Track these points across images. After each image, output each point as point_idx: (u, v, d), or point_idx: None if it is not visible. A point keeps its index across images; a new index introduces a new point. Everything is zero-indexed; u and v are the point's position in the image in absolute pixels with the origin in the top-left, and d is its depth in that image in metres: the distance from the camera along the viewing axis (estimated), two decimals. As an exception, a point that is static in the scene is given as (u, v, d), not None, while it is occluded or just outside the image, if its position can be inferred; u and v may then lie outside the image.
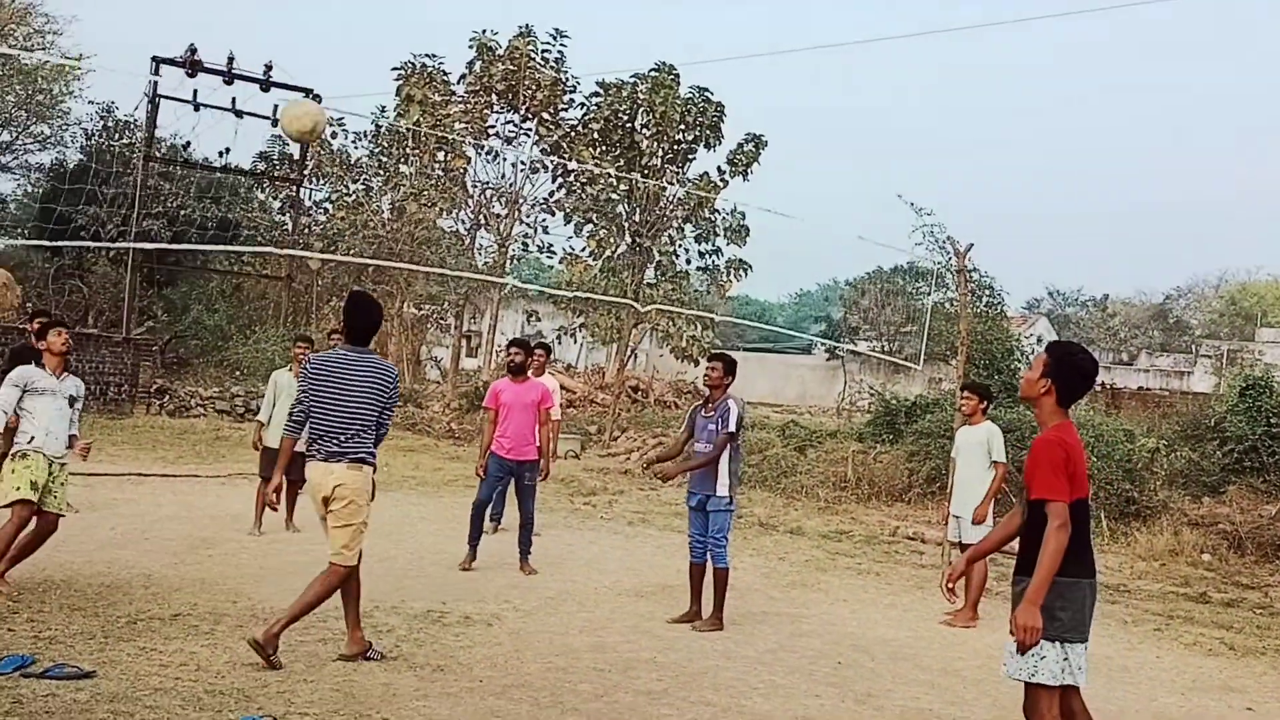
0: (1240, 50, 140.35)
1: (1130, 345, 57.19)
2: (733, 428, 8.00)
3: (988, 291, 19.38)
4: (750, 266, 28.73)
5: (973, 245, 11.96)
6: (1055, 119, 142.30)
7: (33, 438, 7.31)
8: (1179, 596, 10.98)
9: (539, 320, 32.08)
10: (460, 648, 6.81)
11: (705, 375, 8.29)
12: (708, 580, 8.14)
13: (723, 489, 8.02)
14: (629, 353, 26.69)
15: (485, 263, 29.45)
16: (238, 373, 23.02)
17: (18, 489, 7.16)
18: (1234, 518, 13.53)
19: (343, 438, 6.20)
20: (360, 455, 6.23)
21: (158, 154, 25.74)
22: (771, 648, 7.55)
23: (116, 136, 30.00)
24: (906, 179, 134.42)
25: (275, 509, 7.34)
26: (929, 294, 30.62)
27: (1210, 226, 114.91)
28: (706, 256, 28.18)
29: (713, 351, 8.48)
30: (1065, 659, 4.38)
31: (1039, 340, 31.71)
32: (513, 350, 9.81)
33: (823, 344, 45.06)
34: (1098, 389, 30.78)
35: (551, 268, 33.28)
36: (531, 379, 10.01)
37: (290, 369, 10.76)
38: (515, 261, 32.17)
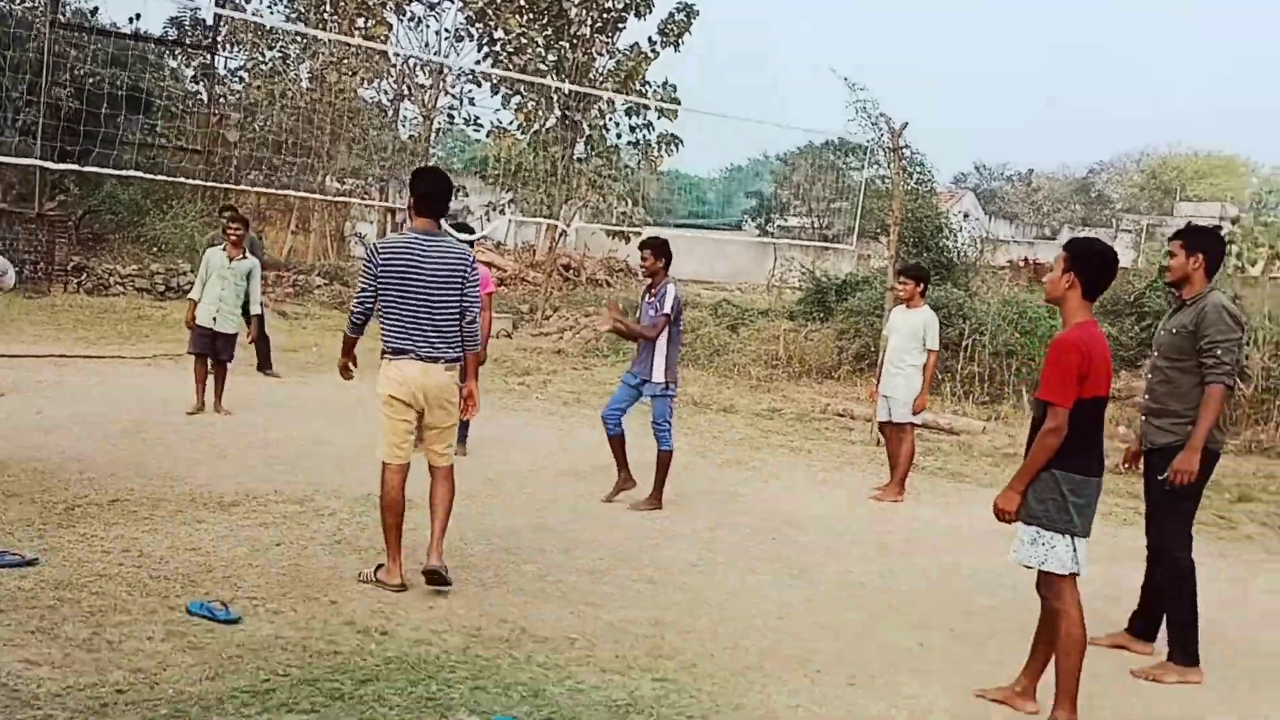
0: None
1: (1053, 219, 58.06)
2: (668, 309, 8.03)
3: (919, 169, 19.44)
4: (681, 141, 28.43)
5: (907, 124, 11.96)
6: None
7: None
8: (1096, 469, 11.40)
9: (466, 195, 31.54)
10: (404, 530, 6.85)
11: (640, 264, 8.23)
12: (646, 460, 8.27)
13: (659, 374, 8.08)
14: (559, 232, 26.44)
15: (410, 135, 28.77)
16: (155, 249, 22.40)
17: None
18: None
19: (436, 336, 5.63)
20: (453, 355, 5.71)
21: (63, 18, 24.50)
22: (709, 525, 7.73)
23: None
24: (834, 47, 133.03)
25: (349, 375, 6.13)
26: (861, 169, 30.62)
27: (1136, 102, 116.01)
28: (637, 130, 27.82)
29: (643, 239, 8.40)
30: (1074, 551, 4.56)
31: (965, 216, 31.94)
32: (460, 238, 9.74)
33: (753, 221, 45.07)
34: (1021, 263, 31.31)
35: (478, 141, 32.63)
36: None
37: (224, 248, 10.62)
38: (441, 134, 31.49)
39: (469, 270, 5.70)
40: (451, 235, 5.82)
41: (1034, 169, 69.05)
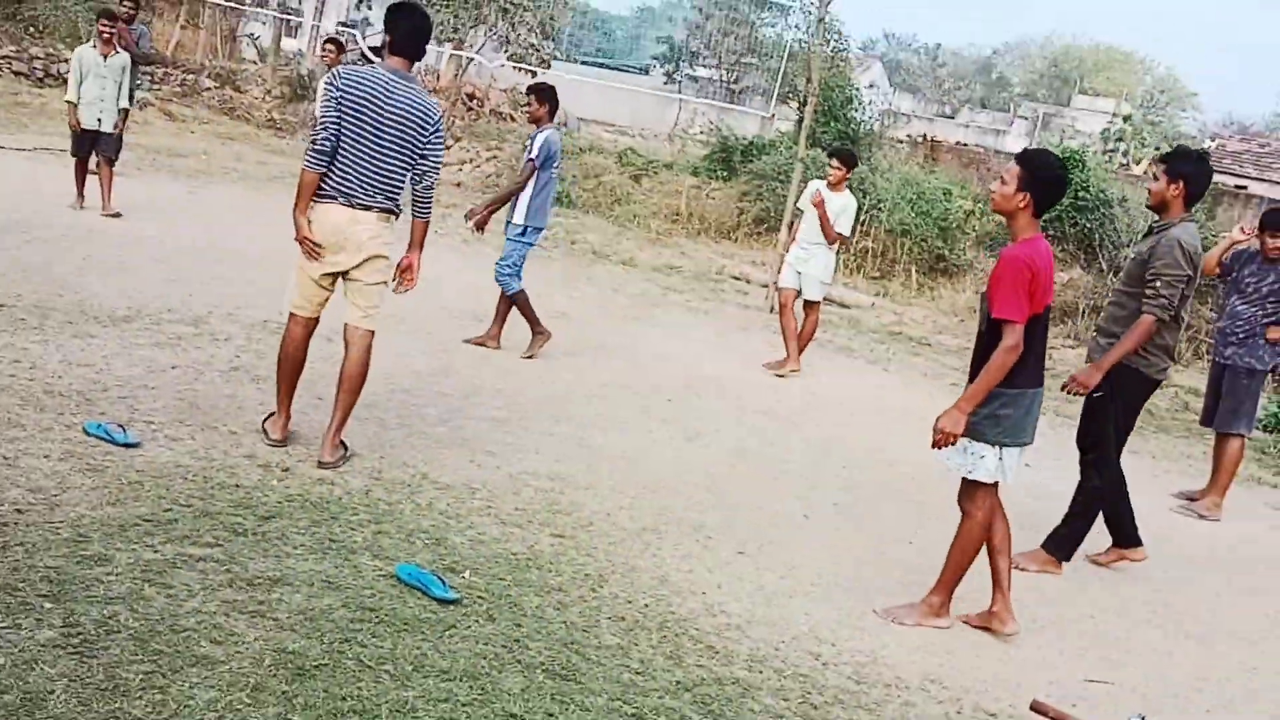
0: None
1: (954, 98, 58.49)
2: (534, 155, 7.94)
3: (836, 36, 19.30)
4: (597, -25, 27.55)
5: (837, -7, 11.79)
6: None
7: None
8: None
9: (369, 8, 30.19)
10: (318, 359, 6.78)
11: (525, 108, 8.12)
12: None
13: (519, 216, 7.98)
14: (466, 60, 25.58)
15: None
16: (35, 31, 21.00)
17: None
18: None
19: (375, 184, 5.12)
20: (389, 206, 5.20)
21: None
22: (607, 381, 7.84)
23: None
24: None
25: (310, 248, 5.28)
26: (775, 28, 30.26)
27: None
28: (554, -40, 26.85)
29: (530, 84, 8.19)
30: (1000, 460, 4.56)
31: (872, 85, 31.96)
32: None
33: (661, 67, 44.25)
34: (919, 140, 31.62)
35: (387, -48, 31.01)
36: None
37: (94, 45, 10.41)
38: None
39: (433, 126, 5.15)
40: (418, 84, 5.18)
41: (941, 44, 69.13)
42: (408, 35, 5.14)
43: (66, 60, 18.19)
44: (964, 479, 4.66)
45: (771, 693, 3.82)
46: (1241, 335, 7.53)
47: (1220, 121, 56.62)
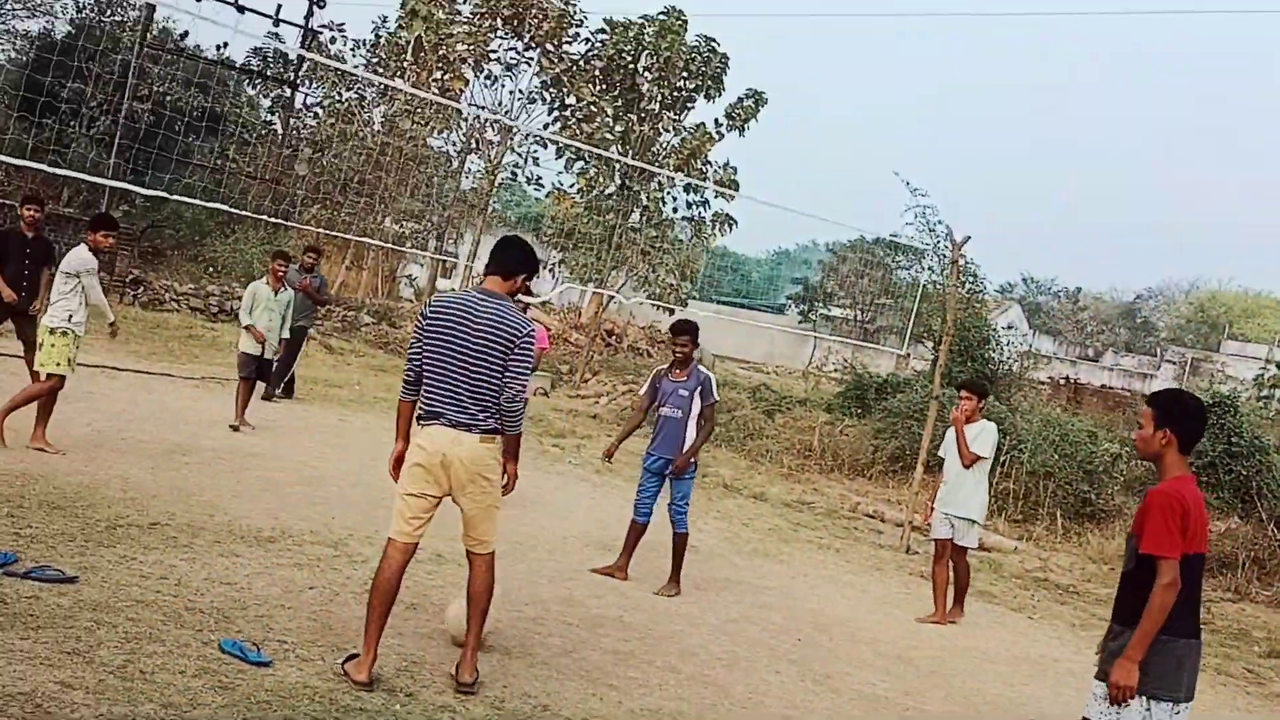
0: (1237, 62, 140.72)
1: (1097, 341, 57.82)
2: (716, 398, 8.28)
3: (972, 279, 19.49)
4: (735, 221, 28.68)
5: (969, 238, 12.04)
6: (1049, 102, 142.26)
7: (71, 315, 8.56)
8: (1125, 603, 11.24)
9: (519, 251, 31.89)
10: (433, 586, 6.89)
11: (674, 348, 8.17)
12: (660, 540, 8.33)
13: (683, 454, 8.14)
14: (607, 298, 26.64)
15: (471, 187, 29.21)
16: (212, 270, 22.80)
17: (57, 364, 8.56)
18: (1184, 530, 13.83)
19: (472, 402, 5.14)
20: (492, 425, 5.20)
21: (150, 37, 25.20)
22: (734, 618, 7.70)
23: (108, 13, 29.30)
24: (898, 152, 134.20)
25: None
26: (910, 270, 30.82)
27: (1189, 233, 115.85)
28: (693, 207, 28.10)
29: (679, 322, 8.33)
30: (1148, 712, 4.28)
31: (1010, 327, 31.93)
32: (522, 299, 10.05)
33: (796, 307, 45.18)
34: (1062, 382, 31.18)
35: (538, 200, 33.02)
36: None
37: (266, 280, 11.69)
38: (501, 189, 31.93)
39: (519, 339, 5.15)
40: (512, 301, 5.38)
41: (1082, 287, 68.97)
42: (495, 257, 5.37)
43: (239, 298, 19.67)
44: None
45: None
46: None
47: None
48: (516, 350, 5.17)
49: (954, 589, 9.05)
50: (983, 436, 8.99)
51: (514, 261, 5.36)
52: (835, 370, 26.26)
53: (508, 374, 5.17)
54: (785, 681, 6.48)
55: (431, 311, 5.26)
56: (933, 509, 9.31)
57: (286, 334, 11.79)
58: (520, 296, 10.37)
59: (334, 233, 20.70)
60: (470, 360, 5.13)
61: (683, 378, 8.20)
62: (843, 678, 6.80)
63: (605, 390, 20.90)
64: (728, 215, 28.42)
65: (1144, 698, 4.26)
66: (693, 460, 8.19)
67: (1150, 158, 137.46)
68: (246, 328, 11.40)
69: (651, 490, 8.28)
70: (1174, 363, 43.74)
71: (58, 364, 8.53)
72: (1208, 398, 16.49)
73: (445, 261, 35.12)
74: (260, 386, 11.94)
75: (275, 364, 11.97)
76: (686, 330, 8.22)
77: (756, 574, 9.33)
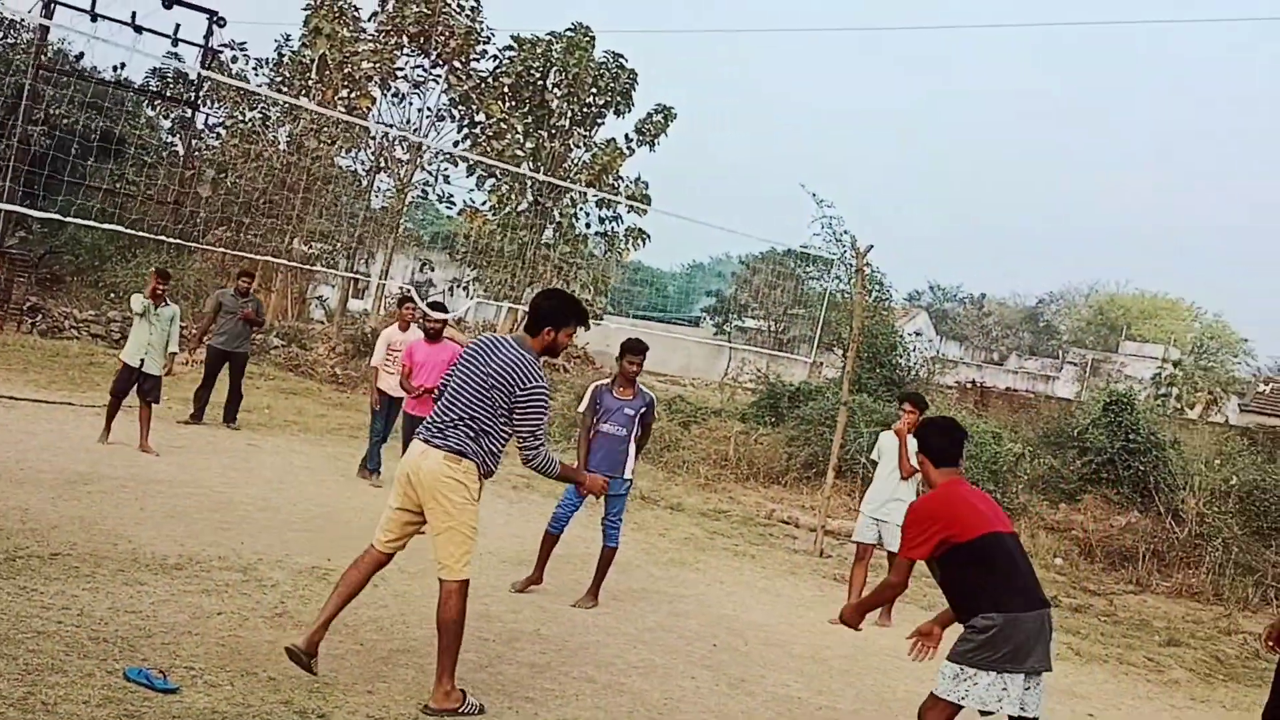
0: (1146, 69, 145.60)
1: (1001, 345, 59.24)
2: (654, 417, 8.55)
3: (878, 286, 19.91)
4: (648, 236, 28.92)
5: (872, 247, 12.30)
6: (951, 115, 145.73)
7: None
8: (1031, 598, 11.55)
9: (432, 269, 31.77)
10: (347, 609, 6.82)
11: (626, 365, 8.15)
12: (583, 553, 8.38)
13: (629, 472, 8.25)
14: (522, 314, 26.58)
15: (381, 206, 28.98)
16: (113, 296, 22.28)
17: None
18: (1087, 525, 14.28)
19: (452, 424, 5.31)
20: (460, 448, 5.27)
21: (44, 58, 24.59)
22: (650, 626, 7.76)
23: (0, 35, 28.53)
24: (803, 163, 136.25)
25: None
26: (820, 280, 31.33)
27: (1087, 240, 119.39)
28: (606, 223, 28.25)
29: (634, 340, 8.30)
30: (1004, 689, 4.77)
31: (918, 334, 32.61)
32: (434, 317, 10.05)
33: (711, 319, 45.58)
34: (969, 385, 31.88)
35: (450, 218, 32.89)
36: (443, 340, 10.45)
37: (145, 293, 11.55)
38: (412, 208, 31.73)
39: (526, 388, 5.26)
40: (535, 356, 5.43)
41: (986, 294, 70.62)
42: (533, 313, 5.49)
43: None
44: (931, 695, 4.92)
45: None
46: None
47: (1276, 366, 56.52)
48: (524, 397, 5.26)
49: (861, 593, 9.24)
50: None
51: (542, 313, 5.49)
52: (750, 380, 26.57)
53: (512, 417, 5.28)
54: (701, 687, 6.56)
55: (467, 349, 5.53)
56: (862, 513, 9.47)
57: (174, 348, 11.58)
58: (431, 314, 10.45)
59: (240, 253, 20.36)
60: (470, 391, 5.30)
61: (629, 396, 8.21)
62: (758, 681, 6.90)
63: (521, 407, 20.85)
64: (640, 230, 28.67)
65: (984, 670, 4.75)
66: (631, 477, 8.32)
67: (1049, 161, 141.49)
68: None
69: (574, 505, 8.26)
70: (1075, 364, 45.00)
71: None
72: (1105, 397, 17.05)
73: (357, 281, 34.79)
74: (156, 408, 11.71)
75: (158, 382, 11.70)
76: (643, 350, 8.23)
77: (673, 583, 9.41)
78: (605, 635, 7.32)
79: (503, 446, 5.43)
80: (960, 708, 4.81)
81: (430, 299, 10.81)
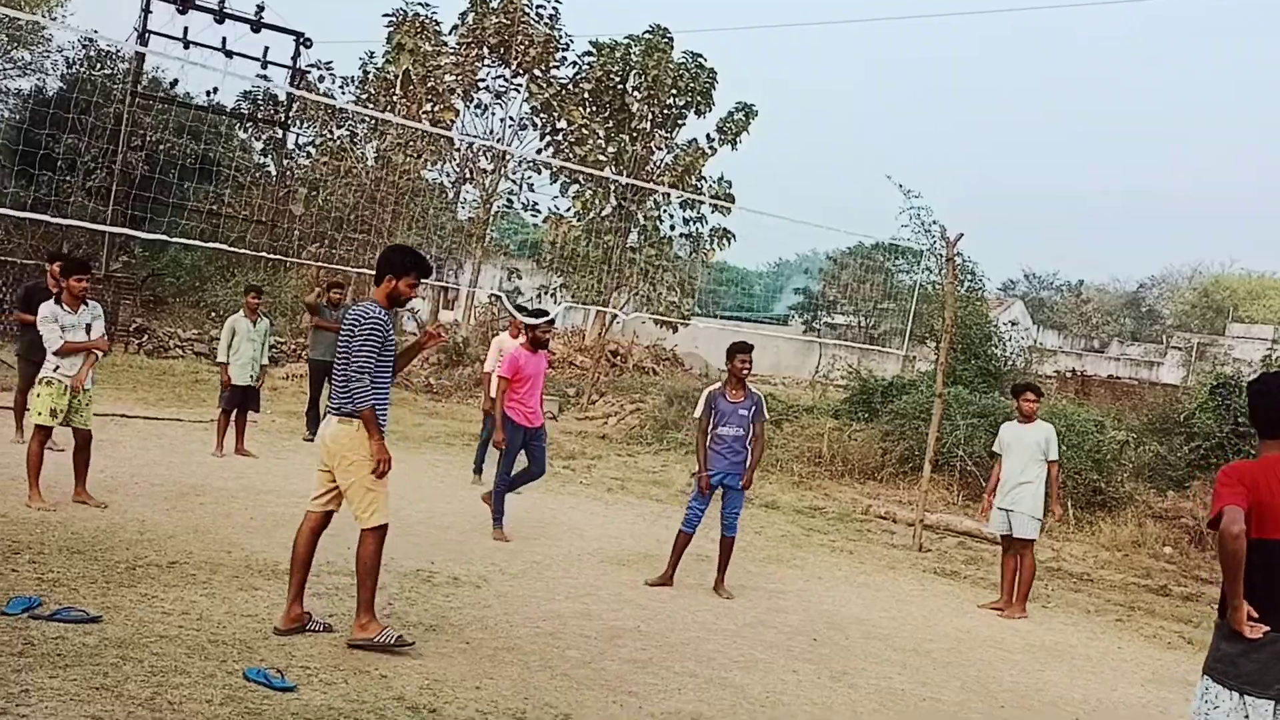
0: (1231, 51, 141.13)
1: (1102, 333, 57.80)
2: (766, 415, 8.76)
3: (969, 276, 19.61)
4: (733, 235, 28.83)
5: (962, 235, 12.14)
6: (1040, 104, 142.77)
7: (57, 366, 8.30)
8: (1140, 588, 11.31)
9: (519, 278, 32.09)
10: (451, 609, 6.98)
11: (737, 365, 8.45)
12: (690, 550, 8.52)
13: (748, 475, 8.59)
14: (610, 318, 26.77)
15: (468, 217, 29.40)
16: (214, 314, 22.99)
17: (39, 414, 8.29)
18: (1196, 513, 13.89)
19: (335, 389, 6.00)
20: (347, 409, 5.88)
21: (140, 86, 25.46)
22: (750, 622, 7.77)
23: (98, 67, 29.62)
24: (890, 158, 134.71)
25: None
26: (910, 273, 30.98)
27: (1188, 219, 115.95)
28: (691, 224, 28.26)
29: (740, 342, 8.63)
30: (1244, 715, 4.14)
31: (1014, 323, 32.00)
32: (541, 326, 10.11)
33: (799, 317, 45.30)
34: (1069, 375, 31.20)
35: (535, 226, 33.22)
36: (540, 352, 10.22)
37: (243, 313, 12.04)
38: (498, 217, 32.15)
39: (359, 329, 5.85)
40: (514, 314, 6.00)
41: (1084, 280, 69.00)
42: (377, 266, 6.13)
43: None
44: None
45: None
46: None
47: (1389, 341, 54.23)
48: (355, 338, 5.86)
49: (1019, 586, 9.30)
50: (1052, 440, 9.37)
51: (382, 265, 6.12)
52: (841, 377, 26.37)
53: (353, 361, 5.86)
54: (803, 680, 6.55)
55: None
56: (992, 504, 9.53)
57: (266, 360, 12.15)
58: (539, 323, 10.42)
59: (333, 266, 20.85)
60: (341, 356, 5.95)
61: (740, 397, 8.53)
62: (860, 674, 6.86)
63: (613, 411, 21.01)
64: (725, 229, 28.60)
65: (1237, 694, 4.15)
66: (750, 475, 8.63)
67: (1144, 140, 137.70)
68: (222, 365, 11.83)
69: (704, 504, 8.62)
70: (1180, 349, 43.71)
71: (39, 413, 8.27)
72: (1212, 380, 16.57)
73: (446, 292, 35.35)
74: (253, 416, 12.33)
75: (258, 393, 12.19)
76: (750, 349, 8.59)
77: (771, 579, 9.40)
78: (705, 631, 7.35)
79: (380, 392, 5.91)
80: None
81: (536, 308, 10.93)
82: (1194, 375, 28.11)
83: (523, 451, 9.68)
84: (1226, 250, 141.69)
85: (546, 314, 10.43)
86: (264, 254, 19.08)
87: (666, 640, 6.96)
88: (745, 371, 8.49)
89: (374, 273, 6.17)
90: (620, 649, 6.62)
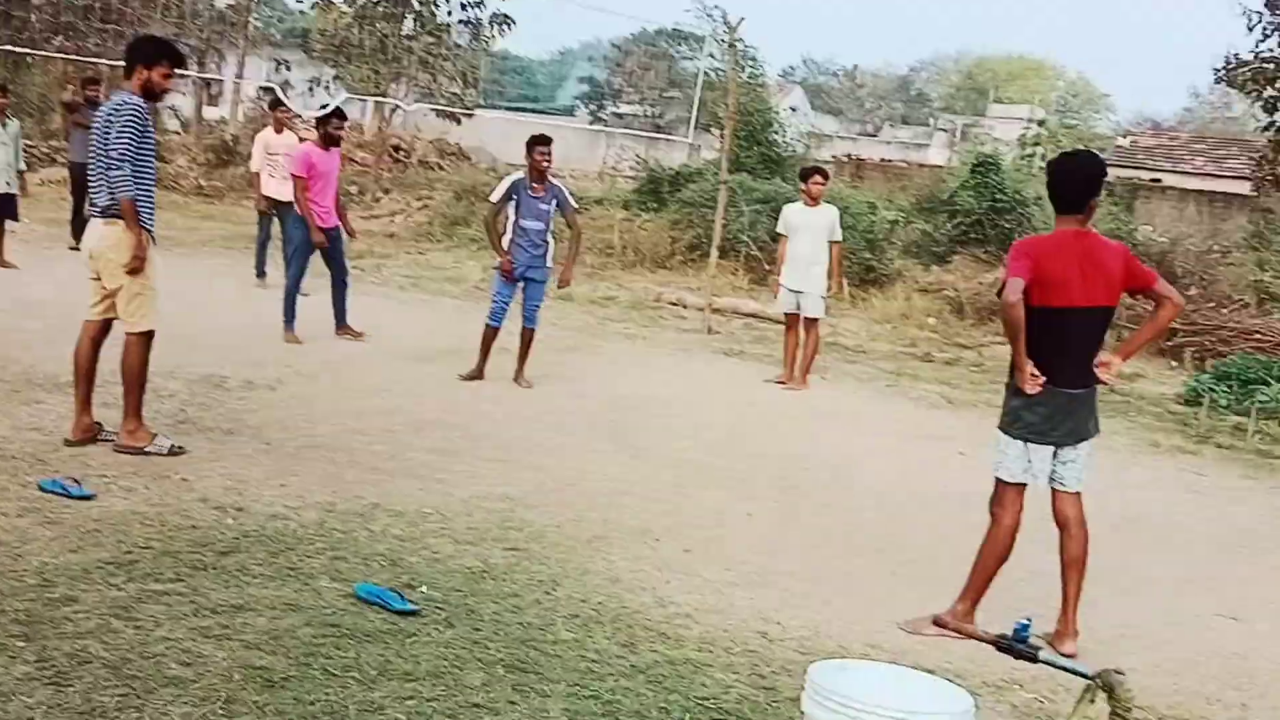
0: None
1: (875, 116, 59.68)
2: (575, 205, 8.91)
3: (751, 63, 19.77)
4: (513, 21, 27.96)
5: (744, 20, 12.23)
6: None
7: None
8: (908, 356, 12.21)
9: (288, 69, 30.32)
10: (247, 411, 6.94)
11: (537, 159, 8.43)
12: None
13: (550, 261, 8.70)
14: (390, 110, 25.80)
15: (228, 4, 27.37)
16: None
17: None
18: (957, 285, 14.95)
19: (96, 188, 5.79)
20: (112, 210, 5.68)
21: None
22: (552, 409, 8.04)
23: None
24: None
25: None
26: (694, 59, 30.94)
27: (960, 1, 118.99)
28: (469, 9, 27.18)
29: (539, 135, 8.61)
30: (1028, 461, 4.61)
31: (793, 109, 32.63)
32: (334, 122, 9.70)
33: (585, 107, 44.81)
34: (845, 159, 32.28)
35: (303, 13, 31.26)
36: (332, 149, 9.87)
37: None
38: (260, 4, 30.09)
39: (114, 122, 5.61)
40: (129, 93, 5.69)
41: (859, 65, 70.49)
42: (125, 58, 5.95)
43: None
44: (996, 480, 4.72)
45: (722, 669, 4.03)
46: None
47: (1133, 120, 58.18)
48: (111, 129, 5.61)
49: (803, 360, 9.75)
50: (837, 223, 9.74)
51: (130, 56, 5.85)
52: (630, 168, 26.46)
53: (108, 152, 5.62)
54: (603, 458, 6.89)
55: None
56: (780, 285, 9.85)
57: (22, 165, 11.53)
58: (334, 121, 9.96)
59: (84, 59, 19.22)
60: (98, 153, 5.69)
61: (541, 191, 8.53)
62: (656, 448, 7.26)
63: (399, 208, 20.53)
64: (505, 15, 27.68)
65: (1022, 442, 4.63)
66: (551, 265, 8.72)
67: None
68: None
69: (508, 297, 8.71)
70: (946, 130, 45.69)
71: None
72: (972, 159, 17.54)
73: (210, 87, 33.13)
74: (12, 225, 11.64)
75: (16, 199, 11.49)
76: (548, 141, 8.54)
77: (570, 368, 9.68)
78: (509, 420, 7.58)
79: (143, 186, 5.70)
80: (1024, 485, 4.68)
81: (333, 105, 10.50)
82: (957, 156, 29.57)
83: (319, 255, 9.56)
84: (990, 35, 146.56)
85: (340, 111, 10.08)
86: (4, 46, 17.32)
87: (471, 430, 7.15)
88: (545, 165, 8.49)
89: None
90: (426, 440, 6.77)
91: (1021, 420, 4.62)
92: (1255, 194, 20.99)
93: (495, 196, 8.68)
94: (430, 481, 5.94)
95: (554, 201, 8.58)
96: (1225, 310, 13.68)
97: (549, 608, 4.39)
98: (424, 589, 4.40)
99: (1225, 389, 10.67)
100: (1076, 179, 4.67)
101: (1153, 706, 4.12)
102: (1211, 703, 4.32)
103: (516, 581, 4.64)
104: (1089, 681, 2.37)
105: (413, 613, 4.13)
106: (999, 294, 4.53)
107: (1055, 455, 4.64)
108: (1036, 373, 4.51)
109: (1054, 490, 4.71)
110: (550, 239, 8.64)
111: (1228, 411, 10.34)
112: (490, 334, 8.72)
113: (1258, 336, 12.60)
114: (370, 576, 4.48)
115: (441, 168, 25.62)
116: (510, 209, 8.55)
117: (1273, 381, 10.63)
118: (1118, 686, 2.31)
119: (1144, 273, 4.71)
